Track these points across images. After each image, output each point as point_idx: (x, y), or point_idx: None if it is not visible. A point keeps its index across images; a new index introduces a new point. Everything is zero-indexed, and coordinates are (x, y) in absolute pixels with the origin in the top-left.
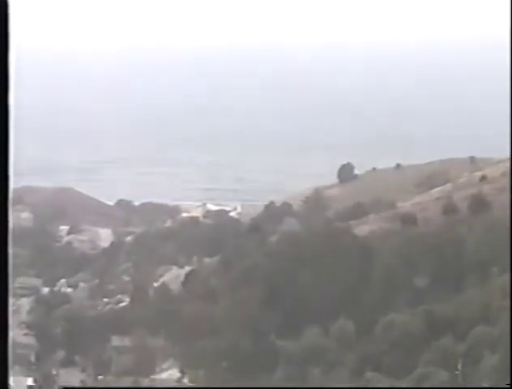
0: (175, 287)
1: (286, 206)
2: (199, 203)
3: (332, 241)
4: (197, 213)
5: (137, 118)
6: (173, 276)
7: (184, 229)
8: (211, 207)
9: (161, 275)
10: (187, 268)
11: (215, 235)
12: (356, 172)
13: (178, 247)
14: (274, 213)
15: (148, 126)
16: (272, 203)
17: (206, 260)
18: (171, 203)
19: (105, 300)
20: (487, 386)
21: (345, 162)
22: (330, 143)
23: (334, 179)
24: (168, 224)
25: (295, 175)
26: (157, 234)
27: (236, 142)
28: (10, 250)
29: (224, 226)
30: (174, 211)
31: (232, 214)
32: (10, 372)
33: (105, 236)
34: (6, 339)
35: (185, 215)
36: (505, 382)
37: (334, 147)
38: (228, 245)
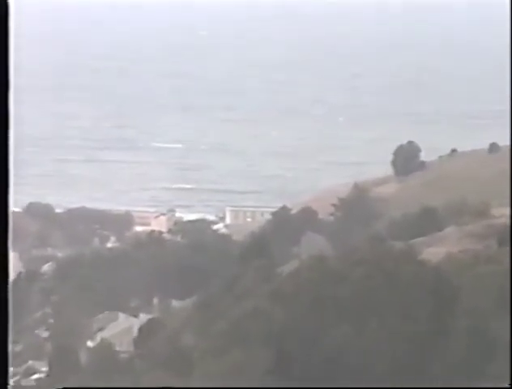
0: (123, 347)
1: (307, 214)
2: (164, 210)
3: (384, 273)
4: (160, 225)
5: (73, 72)
6: (120, 330)
7: (138, 252)
8: (184, 215)
9: (100, 329)
10: (143, 316)
11: (188, 262)
12: (424, 157)
13: (129, 282)
14: (287, 226)
15: (90, 86)
16: (284, 208)
17: (175, 304)
18: (117, 208)
19: (9, 369)
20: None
21: (405, 142)
22: (379, 111)
23: (386, 169)
24: (113, 242)
25: (321, 163)
26: (94, 260)
27: (227, 108)
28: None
29: (203, 247)
30: (123, 221)
31: (218, 227)
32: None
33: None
34: (6, 340)
35: (140, 228)
36: None
37: (385, 118)
38: (209, 278)
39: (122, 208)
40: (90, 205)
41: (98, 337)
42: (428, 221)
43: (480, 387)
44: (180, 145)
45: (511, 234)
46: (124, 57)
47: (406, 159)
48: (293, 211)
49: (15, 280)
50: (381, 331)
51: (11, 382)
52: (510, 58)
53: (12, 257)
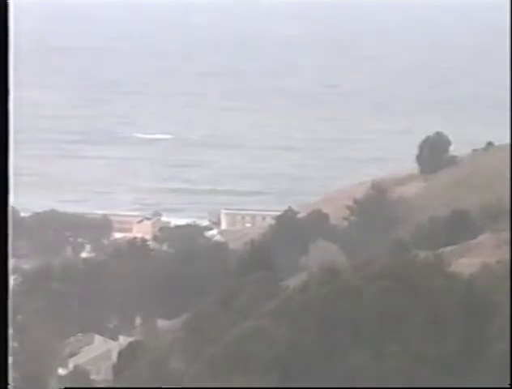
0: (100, 375)
1: (317, 218)
2: (148, 214)
3: (408, 288)
4: (143, 232)
5: (42, 52)
6: (97, 355)
7: (118, 263)
8: (172, 220)
9: (73, 354)
10: (123, 339)
11: (177, 274)
12: (454, 151)
13: (106, 298)
14: (293, 232)
15: (63, 69)
16: (290, 212)
17: (161, 324)
18: (94, 212)
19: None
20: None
21: (432, 133)
22: (401, 97)
23: (410, 165)
24: (88, 252)
25: (334, 159)
26: (66, 272)
27: (223, 94)
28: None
29: (194, 257)
30: (100, 227)
31: (212, 233)
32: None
33: None
34: (6, 341)
35: (120, 235)
36: None
37: (409, 106)
38: (201, 294)
39: (99, 212)
40: (61, 208)
41: (70, 364)
42: (459, 227)
43: (480, 387)
44: (168, 136)
45: (511, 235)
46: (101, 36)
47: (433, 153)
48: (300, 215)
49: None
50: (404, 354)
51: None
52: (510, 58)
53: None
